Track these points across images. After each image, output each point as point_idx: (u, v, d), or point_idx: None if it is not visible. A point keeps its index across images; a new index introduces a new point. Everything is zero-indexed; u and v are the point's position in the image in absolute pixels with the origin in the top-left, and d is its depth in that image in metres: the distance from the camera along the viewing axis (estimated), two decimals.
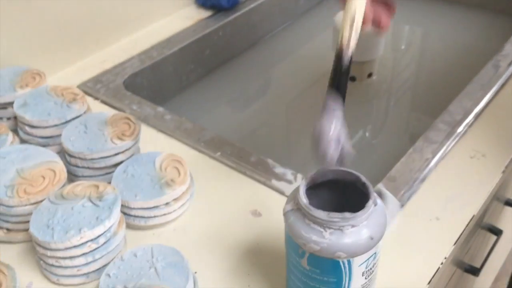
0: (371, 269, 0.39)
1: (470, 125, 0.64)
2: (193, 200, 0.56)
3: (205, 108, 0.88)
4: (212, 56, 0.92)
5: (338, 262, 0.37)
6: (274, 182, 0.58)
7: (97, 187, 0.51)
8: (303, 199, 0.37)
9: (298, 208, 0.38)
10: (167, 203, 0.52)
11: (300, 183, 0.39)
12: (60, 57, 0.79)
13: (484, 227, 0.83)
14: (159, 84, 0.85)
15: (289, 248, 0.40)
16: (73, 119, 0.61)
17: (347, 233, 0.36)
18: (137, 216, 0.52)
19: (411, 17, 1.09)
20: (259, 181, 0.59)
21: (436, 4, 1.09)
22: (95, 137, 0.57)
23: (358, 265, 0.38)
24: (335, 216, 0.36)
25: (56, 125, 0.60)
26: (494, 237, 0.87)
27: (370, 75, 0.85)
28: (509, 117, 0.66)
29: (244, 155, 0.62)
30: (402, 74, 0.95)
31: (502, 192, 0.86)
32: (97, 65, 0.81)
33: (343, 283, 0.39)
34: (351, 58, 0.35)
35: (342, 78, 0.34)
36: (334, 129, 0.39)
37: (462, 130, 0.63)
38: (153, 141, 0.65)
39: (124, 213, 0.52)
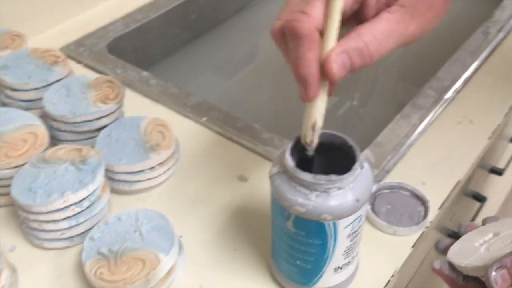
0: (356, 231, 0.39)
1: (458, 92, 0.64)
2: (179, 165, 0.56)
3: (192, 74, 0.87)
4: (198, 20, 0.90)
5: (324, 224, 0.37)
6: (261, 147, 0.58)
7: (80, 150, 0.50)
8: (289, 162, 0.37)
9: (284, 171, 0.38)
10: (152, 168, 0.52)
11: (286, 145, 0.38)
12: (42, 19, 0.76)
13: (469, 194, 0.83)
14: (144, 49, 0.83)
15: (275, 211, 0.40)
16: (55, 82, 0.59)
17: (333, 196, 0.36)
18: (122, 181, 0.52)
19: None
20: (245, 146, 0.58)
21: None
22: (77, 101, 0.55)
23: (343, 227, 0.38)
24: (321, 178, 0.36)
25: (37, 88, 0.58)
26: (478, 204, 0.89)
27: None
28: (497, 83, 0.66)
29: (231, 120, 0.61)
30: None
31: (487, 160, 0.86)
32: (80, 28, 0.78)
33: (328, 245, 0.38)
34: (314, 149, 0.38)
35: (308, 164, 0.38)
36: None
37: (450, 96, 0.63)
38: (138, 106, 0.64)
39: (109, 178, 0.52)
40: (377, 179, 0.54)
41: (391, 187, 0.52)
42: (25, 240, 0.49)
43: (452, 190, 0.53)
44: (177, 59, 0.88)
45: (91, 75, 0.62)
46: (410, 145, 0.58)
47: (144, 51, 0.83)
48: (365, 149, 0.57)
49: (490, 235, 0.44)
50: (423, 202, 0.51)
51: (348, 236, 0.39)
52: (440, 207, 0.51)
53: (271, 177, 0.39)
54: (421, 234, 0.48)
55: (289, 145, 0.38)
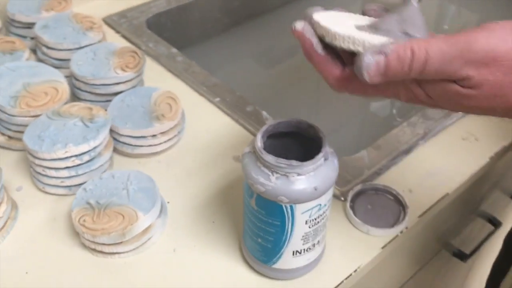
0: (315, 219, 0.41)
1: None
2: (182, 137, 0.59)
3: (225, 60, 0.90)
4: (241, 8, 0.93)
5: (281, 206, 0.39)
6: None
7: (91, 109, 0.54)
8: (258, 143, 0.39)
9: (254, 151, 0.40)
10: (153, 135, 0.55)
11: (261, 128, 0.41)
12: None
13: (483, 216, 0.82)
14: (183, 28, 0.87)
15: (244, 188, 0.42)
16: (86, 46, 0.64)
17: (292, 180, 0.38)
18: (125, 143, 0.56)
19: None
20: (248, 130, 0.61)
21: None
22: (100, 65, 0.60)
23: (301, 212, 0.40)
24: (282, 162, 0.38)
25: (70, 49, 0.64)
26: (491, 228, 0.87)
27: None
28: None
29: (241, 104, 0.64)
30: None
31: (508, 185, 0.85)
32: (126, 1, 0.83)
33: (286, 227, 0.41)
34: None
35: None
36: None
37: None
38: (159, 79, 0.68)
39: (114, 139, 0.56)
40: (366, 179, 0.55)
41: (376, 189, 0.53)
42: (31, 183, 0.54)
43: (437, 202, 0.53)
44: (213, 43, 0.91)
45: (119, 43, 0.67)
46: (408, 152, 0.58)
47: (183, 30, 0.87)
48: (363, 149, 0.58)
49: (367, 22, 0.39)
50: (403, 207, 0.51)
51: (306, 222, 0.41)
52: (421, 216, 0.51)
53: (243, 155, 0.41)
54: (394, 238, 0.49)
55: (263, 128, 0.41)
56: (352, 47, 0.36)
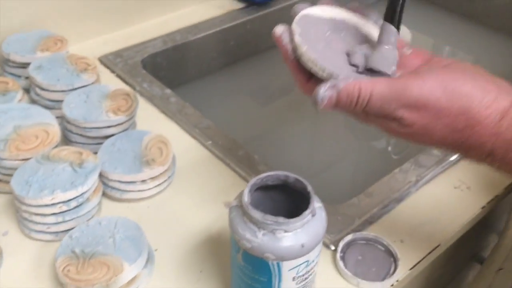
0: (303, 275, 0.40)
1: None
2: (173, 181, 0.59)
3: (221, 98, 0.90)
4: (236, 47, 0.94)
5: (268, 262, 0.38)
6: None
7: (81, 154, 0.54)
8: (245, 198, 0.39)
9: (240, 205, 0.39)
10: (143, 181, 0.55)
11: (250, 181, 0.40)
12: (89, 27, 0.82)
13: (480, 260, 0.81)
14: (179, 67, 0.87)
15: (231, 242, 0.42)
16: (80, 87, 0.64)
17: (279, 237, 0.37)
18: (114, 188, 0.55)
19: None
20: (240, 175, 0.61)
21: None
22: (92, 108, 0.60)
23: (288, 269, 0.39)
24: (269, 218, 0.37)
25: (63, 91, 0.64)
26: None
27: None
28: None
29: (234, 147, 0.64)
30: None
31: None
32: (122, 41, 0.84)
33: (273, 283, 0.40)
34: None
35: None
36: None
37: (454, 159, 0.62)
38: (152, 120, 0.68)
39: (103, 183, 0.55)
40: (357, 229, 0.54)
41: (367, 239, 0.52)
42: (18, 228, 0.53)
43: (429, 253, 0.52)
44: (209, 82, 0.91)
45: (120, 86, 0.67)
46: (400, 200, 0.58)
47: (179, 69, 0.88)
48: (354, 197, 0.58)
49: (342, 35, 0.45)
50: (395, 259, 0.51)
51: (293, 279, 0.40)
52: (412, 268, 0.51)
53: (230, 209, 0.41)
54: None
55: (251, 182, 0.40)
56: (313, 69, 0.41)
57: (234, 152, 0.63)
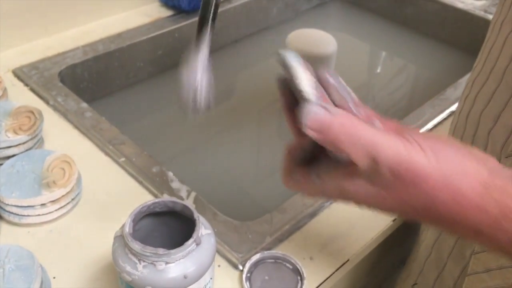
0: None
1: None
2: (79, 203, 0.56)
3: (146, 110, 0.88)
4: (165, 56, 0.92)
5: None
6: (166, 197, 0.58)
7: None
8: (126, 228, 0.37)
9: (123, 236, 0.38)
10: (42, 204, 0.52)
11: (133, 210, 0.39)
12: (3, 37, 0.78)
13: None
14: (101, 79, 0.84)
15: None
16: None
17: (160, 269, 0.36)
18: (12, 213, 0.52)
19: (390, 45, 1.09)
20: (152, 193, 0.59)
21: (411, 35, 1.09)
22: None
23: None
24: (148, 250, 0.36)
25: None
26: None
27: None
28: None
29: (148, 164, 0.62)
30: None
31: None
32: (41, 51, 0.80)
33: None
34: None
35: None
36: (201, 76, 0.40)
37: None
38: (64, 137, 0.65)
39: (1, 208, 0.52)
40: (267, 247, 0.53)
41: (276, 258, 0.51)
42: None
43: (337, 269, 0.52)
44: (138, 91, 0.89)
45: (32, 100, 0.64)
46: (313, 215, 0.57)
47: (102, 80, 0.85)
48: (268, 213, 0.57)
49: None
50: (301, 278, 0.50)
51: None
52: (319, 286, 0.50)
53: (114, 239, 0.39)
54: None
55: (135, 210, 0.39)
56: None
57: (148, 168, 0.61)
